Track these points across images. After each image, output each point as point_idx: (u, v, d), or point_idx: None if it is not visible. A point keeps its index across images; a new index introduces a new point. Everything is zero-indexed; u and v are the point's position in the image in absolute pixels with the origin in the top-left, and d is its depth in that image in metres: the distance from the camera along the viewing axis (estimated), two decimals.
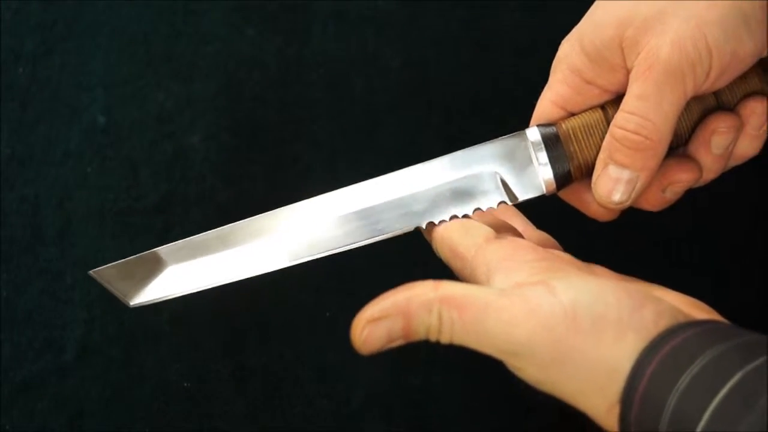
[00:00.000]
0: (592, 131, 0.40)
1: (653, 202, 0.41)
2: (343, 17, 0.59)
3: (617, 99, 0.40)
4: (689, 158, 0.41)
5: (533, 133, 0.41)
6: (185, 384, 0.53)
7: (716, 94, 0.40)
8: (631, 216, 0.42)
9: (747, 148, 0.41)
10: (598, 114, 0.41)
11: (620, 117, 0.39)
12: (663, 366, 0.31)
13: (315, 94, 0.58)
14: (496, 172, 0.41)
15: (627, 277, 0.39)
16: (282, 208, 0.42)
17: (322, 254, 0.41)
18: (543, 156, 0.41)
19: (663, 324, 0.32)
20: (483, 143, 0.41)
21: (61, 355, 0.54)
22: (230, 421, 0.52)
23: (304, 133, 0.57)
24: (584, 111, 0.41)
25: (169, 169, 0.57)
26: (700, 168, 0.40)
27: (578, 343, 0.32)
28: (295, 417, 0.52)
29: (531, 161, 0.41)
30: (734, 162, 0.41)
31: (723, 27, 0.37)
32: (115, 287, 0.41)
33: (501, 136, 0.41)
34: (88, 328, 0.54)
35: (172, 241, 0.42)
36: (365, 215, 0.41)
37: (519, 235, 0.41)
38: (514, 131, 0.41)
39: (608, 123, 0.40)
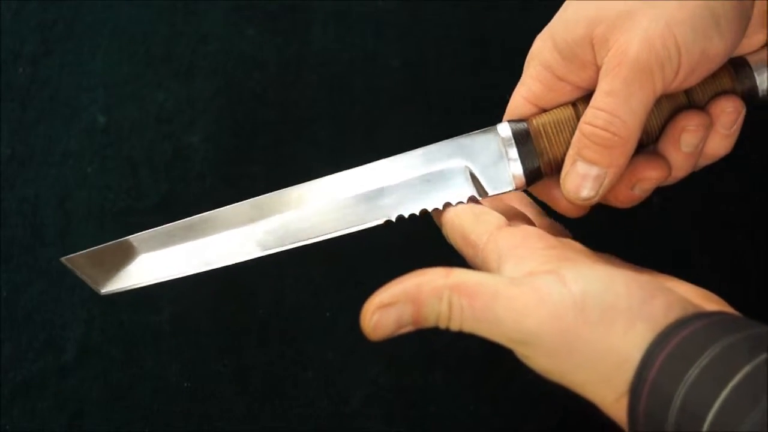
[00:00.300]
0: (562, 127, 0.41)
1: (622, 199, 0.41)
2: (343, 17, 0.59)
3: (588, 96, 0.40)
4: (659, 156, 0.41)
5: (504, 129, 0.41)
6: (185, 384, 0.53)
7: (687, 92, 0.40)
8: (643, 205, 0.42)
9: (717, 147, 0.41)
10: (569, 110, 0.41)
11: (589, 113, 0.39)
12: (672, 357, 0.31)
13: (315, 94, 0.58)
14: (466, 167, 0.41)
15: (638, 267, 0.39)
16: (252, 198, 0.42)
17: (293, 245, 0.41)
18: (513, 152, 0.41)
19: (673, 315, 0.32)
20: (454, 137, 0.42)
21: (61, 355, 0.54)
22: (230, 421, 0.52)
23: (304, 133, 0.57)
24: (556, 107, 0.41)
25: (169, 169, 0.57)
26: (669, 166, 0.40)
27: (587, 333, 0.32)
28: (295, 417, 0.52)
29: (501, 156, 0.41)
30: (705, 161, 0.41)
31: (692, 26, 0.37)
32: (87, 275, 0.41)
33: None
34: (88, 328, 0.54)
35: None
36: (336, 207, 0.41)
37: (530, 222, 0.41)
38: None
39: (579, 119, 0.40)
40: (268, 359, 0.53)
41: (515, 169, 0.41)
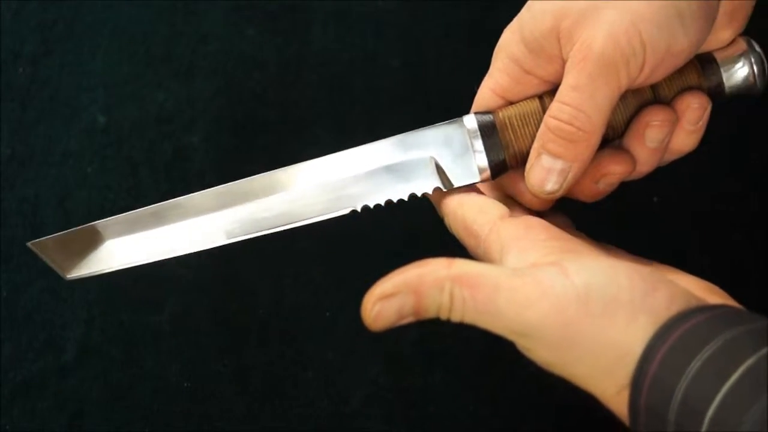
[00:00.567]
0: (528, 120, 0.41)
1: (587, 193, 0.41)
2: (343, 17, 0.59)
3: (555, 89, 0.40)
4: (624, 151, 0.41)
5: (470, 121, 0.41)
6: (185, 384, 0.53)
7: (653, 87, 0.40)
8: (643, 205, 0.42)
9: (683, 142, 0.41)
10: (535, 104, 0.41)
11: (554, 107, 0.39)
12: (674, 350, 0.31)
13: (315, 94, 0.58)
14: (432, 158, 0.41)
15: (640, 259, 0.39)
16: (220, 186, 0.42)
17: (258, 233, 0.41)
18: (479, 144, 0.41)
19: (675, 308, 0.32)
20: (421, 128, 0.42)
21: (61, 355, 0.54)
22: (230, 421, 0.52)
23: (304, 133, 0.57)
24: (523, 100, 0.41)
25: (169, 169, 0.57)
26: (633, 161, 0.40)
27: (589, 325, 0.32)
28: (295, 417, 0.52)
29: (467, 148, 0.41)
30: (671, 156, 0.41)
31: (657, 22, 0.37)
32: (53, 260, 0.41)
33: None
34: (88, 328, 0.54)
35: None
36: (301, 196, 0.41)
37: (532, 212, 0.41)
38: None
39: (545, 113, 0.40)
40: (268, 359, 0.53)
41: (480, 161, 0.41)
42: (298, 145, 0.57)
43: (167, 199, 0.42)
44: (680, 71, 0.40)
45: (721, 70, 0.41)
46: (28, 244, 0.41)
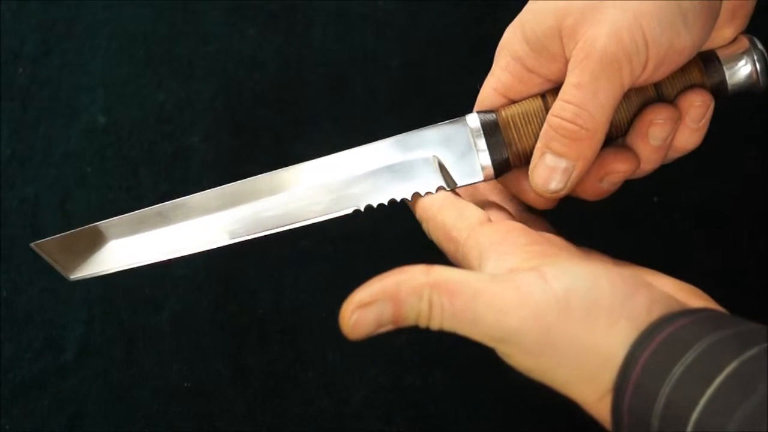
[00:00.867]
0: (531, 119, 0.41)
1: (590, 192, 0.41)
2: (343, 17, 0.59)
3: (558, 88, 0.40)
4: (627, 149, 0.41)
5: (473, 120, 0.41)
6: (185, 384, 0.53)
7: (656, 85, 0.40)
8: (644, 205, 0.42)
9: (686, 140, 0.41)
10: (538, 102, 0.41)
11: (557, 105, 0.39)
12: (657, 354, 0.31)
13: (315, 94, 0.58)
14: (435, 157, 0.41)
15: (620, 261, 0.39)
16: (222, 186, 0.42)
17: (261, 233, 0.41)
18: (482, 142, 0.41)
19: (657, 312, 0.32)
20: (424, 128, 0.42)
21: (61, 355, 0.54)
22: (230, 421, 0.52)
23: (304, 133, 0.57)
24: (525, 99, 0.41)
25: (169, 169, 0.57)
26: (637, 159, 0.40)
27: (570, 330, 0.32)
28: (295, 417, 0.52)
29: (470, 147, 0.41)
30: (674, 154, 0.41)
31: (660, 19, 0.37)
32: (56, 260, 0.41)
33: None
34: (88, 328, 0.54)
35: None
36: (304, 196, 0.41)
37: (512, 217, 0.41)
38: None
39: (548, 111, 0.40)
40: (268, 359, 0.53)
41: (483, 160, 0.41)
42: (298, 145, 0.57)
43: (167, 199, 0.42)
44: (683, 69, 0.40)
45: (724, 67, 0.41)
46: (31, 245, 0.41)
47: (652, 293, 0.33)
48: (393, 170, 0.41)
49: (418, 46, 0.58)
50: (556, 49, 0.39)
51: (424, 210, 0.41)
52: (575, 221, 0.43)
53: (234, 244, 0.41)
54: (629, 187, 0.42)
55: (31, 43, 0.60)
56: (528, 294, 0.32)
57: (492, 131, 0.41)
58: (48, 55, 0.59)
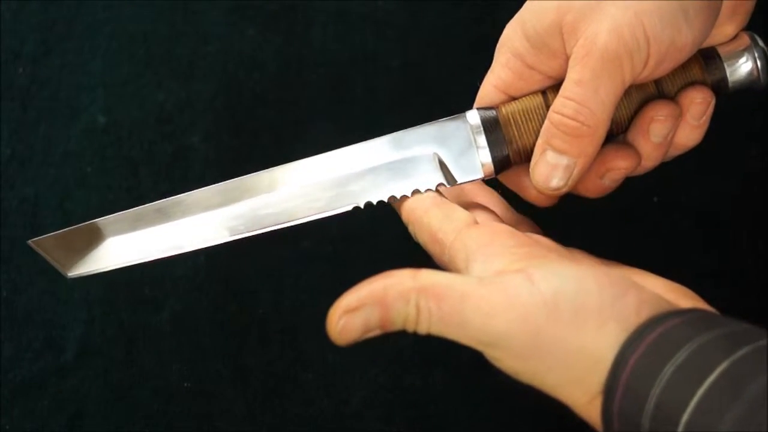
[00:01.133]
0: (531, 116, 0.41)
1: (592, 189, 0.41)
2: (343, 17, 0.59)
3: (558, 85, 0.40)
4: (628, 146, 0.41)
5: (473, 116, 0.41)
6: (185, 384, 0.53)
7: (657, 82, 0.40)
8: (644, 205, 0.42)
9: (687, 137, 0.41)
10: (539, 99, 0.41)
11: (558, 102, 0.39)
12: (647, 356, 0.30)
13: (315, 94, 0.58)
14: (435, 154, 0.41)
15: (607, 262, 0.39)
16: (222, 183, 0.42)
17: (261, 230, 0.41)
18: (482, 139, 0.41)
19: (645, 313, 0.32)
20: (424, 124, 0.41)
21: (61, 355, 0.54)
22: (230, 421, 0.52)
23: (304, 133, 0.57)
24: (526, 95, 0.41)
25: (169, 169, 0.57)
26: (638, 155, 0.40)
27: (558, 333, 0.32)
28: (295, 417, 0.52)
29: (470, 144, 0.41)
30: (675, 151, 0.41)
31: (661, 15, 0.37)
32: (54, 258, 0.41)
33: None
34: (88, 328, 0.54)
35: None
36: (305, 193, 0.41)
37: (498, 218, 0.41)
38: None
39: (548, 108, 0.40)
40: (268, 359, 0.53)
41: (484, 157, 0.41)
42: (298, 145, 0.57)
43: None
44: (684, 66, 0.40)
45: (725, 64, 0.41)
46: (29, 242, 0.41)
47: (641, 294, 0.33)
48: (393, 167, 0.41)
49: (418, 46, 0.58)
50: (556, 45, 0.39)
51: (409, 212, 0.40)
52: (574, 220, 0.43)
53: (233, 241, 0.41)
54: (629, 186, 0.42)
55: (31, 43, 0.60)
56: (515, 297, 0.32)
57: (492, 128, 0.41)
58: (48, 55, 0.59)
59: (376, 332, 0.34)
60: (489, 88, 0.42)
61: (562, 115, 0.38)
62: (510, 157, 0.41)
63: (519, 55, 0.40)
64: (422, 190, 0.41)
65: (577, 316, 0.32)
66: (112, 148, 0.57)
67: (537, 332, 0.32)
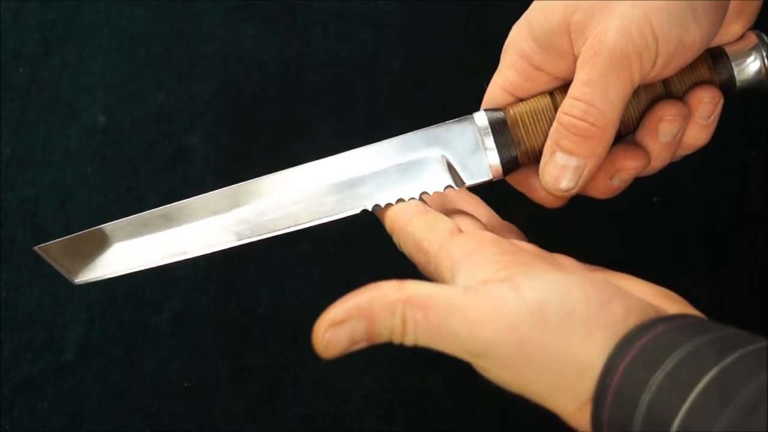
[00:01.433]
0: (539, 117, 0.40)
1: (601, 190, 0.41)
2: (343, 17, 0.59)
3: (566, 86, 0.39)
4: (637, 146, 0.40)
5: (480, 118, 0.41)
6: (185, 384, 0.53)
7: (665, 82, 0.40)
8: (643, 205, 0.42)
9: (696, 137, 0.40)
10: (546, 100, 0.41)
11: (567, 103, 0.38)
12: (636, 362, 0.30)
13: (315, 94, 0.58)
14: (443, 156, 0.41)
15: (592, 267, 0.39)
16: (228, 187, 0.41)
17: (268, 235, 0.41)
18: (490, 141, 0.41)
19: (633, 319, 0.32)
20: (431, 126, 0.41)
21: (61, 355, 0.54)
22: (230, 421, 0.52)
23: (304, 133, 0.57)
24: (533, 97, 0.41)
25: (169, 169, 0.57)
26: (647, 156, 0.40)
27: (545, 341, 0.31)
28: (295, 417, 0.52)
29: (478, 146, 0.41)
30: (684, 151, 0.41)
31: (669, 14, 0.36)
32: (61, 264, 0.41)
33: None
34: (88, 328, 0.54)
35: None
36: (312, 196, 0.41)
37: (482, 225, 0.41)
38: None
39: (556, 109, 0.40)
40: (268, 359, 0.53)
41: (492, 158, 0.41)
42: (298, 145, 0.57)
43: (167, 199, 0.42)
44: (691, 66, 0.40)
45: (733, 64, 0.41)
46: (35, 248, 0.41)
47: (627, 301, 0.32)
48: (401, 169, 0.41)
49: (418, 46, 0.58)
50: (564, 45, 0.39)
51: (393, 221, 0.40)
52: (574, 221, 0.43)
53: (240, 245, 0.41)
54: (629, 186, 0.42)
55: (31, 43, 0.60)
56: (502, 306, 0.32)
57: (500, 129, 0.41)
58: (48, 55, 0.59)
59: (363, 345, 0.34)
60: (496, 90, 0.42)
61: (571, 116, 0.38)
62: (518, 158, 0.41)
63: (526, 56, 0.40)
64: (430, 193, 0.41)
65: (564, 324, 0.31)
66: (112, 148, 0.57)
67: (524, 341, 0.32)
